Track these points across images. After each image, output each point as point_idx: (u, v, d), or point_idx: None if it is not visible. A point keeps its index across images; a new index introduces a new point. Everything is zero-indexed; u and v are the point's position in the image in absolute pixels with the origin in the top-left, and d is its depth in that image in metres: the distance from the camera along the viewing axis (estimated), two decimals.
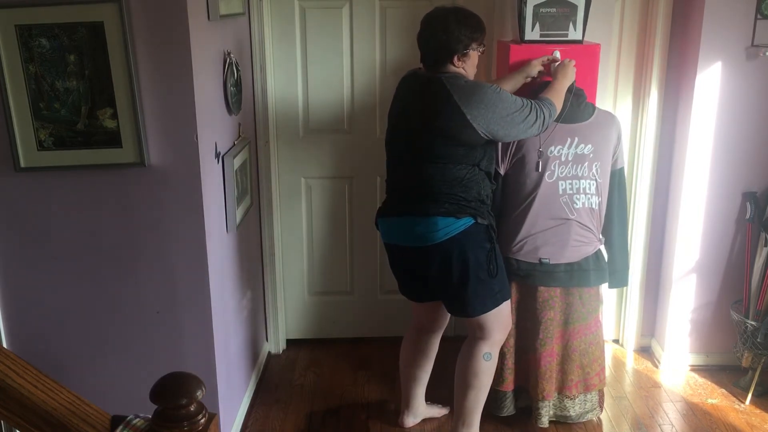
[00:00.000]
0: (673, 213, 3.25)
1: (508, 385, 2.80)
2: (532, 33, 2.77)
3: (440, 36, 2.37)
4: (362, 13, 3.19)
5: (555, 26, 2.77)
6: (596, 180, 2.65)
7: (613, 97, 3.26)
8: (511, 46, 2.78)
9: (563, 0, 2.75)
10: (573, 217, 2.63)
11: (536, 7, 2.74)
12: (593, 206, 2.66)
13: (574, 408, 2.83)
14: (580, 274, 2.68)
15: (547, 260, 2.65)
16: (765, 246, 3.01)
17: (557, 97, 2.52)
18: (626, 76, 3.24)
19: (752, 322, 3.01)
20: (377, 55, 3.25)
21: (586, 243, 2.68)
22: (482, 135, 2.35)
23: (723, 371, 3.29)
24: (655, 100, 3.17)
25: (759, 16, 2.91)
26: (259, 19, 3.10)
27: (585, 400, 2.85)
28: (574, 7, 2.75)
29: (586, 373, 2.80)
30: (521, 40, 2.80)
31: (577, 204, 2.63)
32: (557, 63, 2.66)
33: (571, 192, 2.63)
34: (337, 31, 3.21)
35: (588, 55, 2.77)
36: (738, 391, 3.13)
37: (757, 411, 3.01)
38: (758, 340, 2.98)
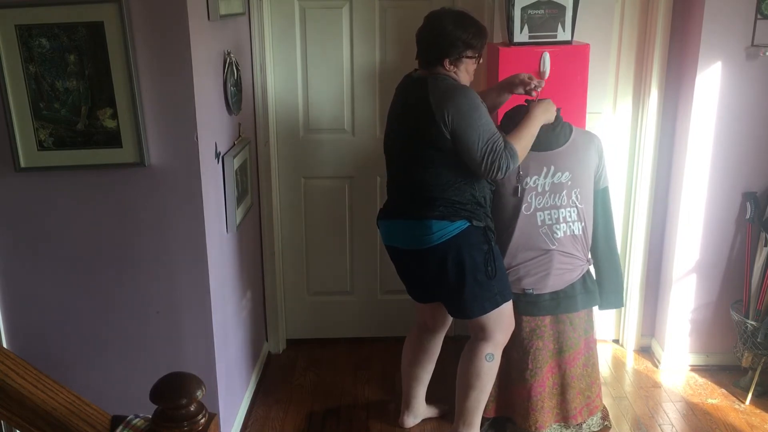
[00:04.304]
0: (673, 213, 3.25)
1: (488, 412, 2.69)
2: (520, 35, 2.75)
3: (436, 36, 2.36)
4: (362, 13, 3.19)
5: (543, 28, 2.75)
6: (577, 206, 2.57)
7: (613, 97, 3.26)
8: (500, 48, 2.77)
9: (551, 1, 2.73)
10: (554, 247, 2.56)
11: (524, 9, 2.72)
12: (575, 232, 2.59)
13: None
14: (566, 301, 2.62)
15: (531, 290, 2.58)
16: (765, 246, 3.01)
17: (527, 137, 2.38)
18: (626, 76, 3.24)
19: (752, 322, 3.01)
20: (377, 55, 3.25)
21: (571, 269, 2.61)
22: (449, 138, 2.29)
23: (723, 371, 3.29)
24: (655, 100, 3.17)
25: (759, 16, 2.91)
26: (259, 19, 3.10)
27: (591, 425, 2.80)
28: (562, 8, 2.74)
29: (587, 397, 2.74)
30: (510, 42, 2.79)
31: (557, 234, 2.56)
32: (539, 87, 2.51)
33: (550, 222, 2.55)
34: (337, 31, 3.21)
35: (578, 56, 2.76)
36: (738, 391, 3.13)
37: (757, 411, 3.01)
38: (758, 340, 2.98)
